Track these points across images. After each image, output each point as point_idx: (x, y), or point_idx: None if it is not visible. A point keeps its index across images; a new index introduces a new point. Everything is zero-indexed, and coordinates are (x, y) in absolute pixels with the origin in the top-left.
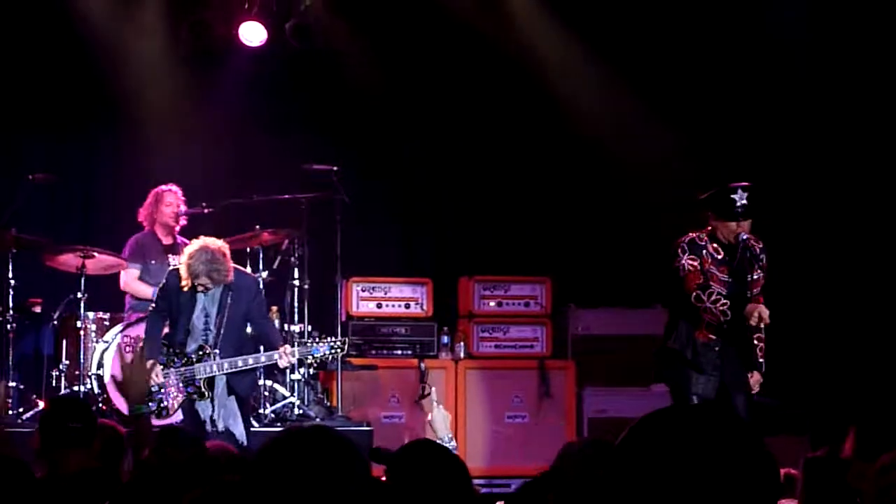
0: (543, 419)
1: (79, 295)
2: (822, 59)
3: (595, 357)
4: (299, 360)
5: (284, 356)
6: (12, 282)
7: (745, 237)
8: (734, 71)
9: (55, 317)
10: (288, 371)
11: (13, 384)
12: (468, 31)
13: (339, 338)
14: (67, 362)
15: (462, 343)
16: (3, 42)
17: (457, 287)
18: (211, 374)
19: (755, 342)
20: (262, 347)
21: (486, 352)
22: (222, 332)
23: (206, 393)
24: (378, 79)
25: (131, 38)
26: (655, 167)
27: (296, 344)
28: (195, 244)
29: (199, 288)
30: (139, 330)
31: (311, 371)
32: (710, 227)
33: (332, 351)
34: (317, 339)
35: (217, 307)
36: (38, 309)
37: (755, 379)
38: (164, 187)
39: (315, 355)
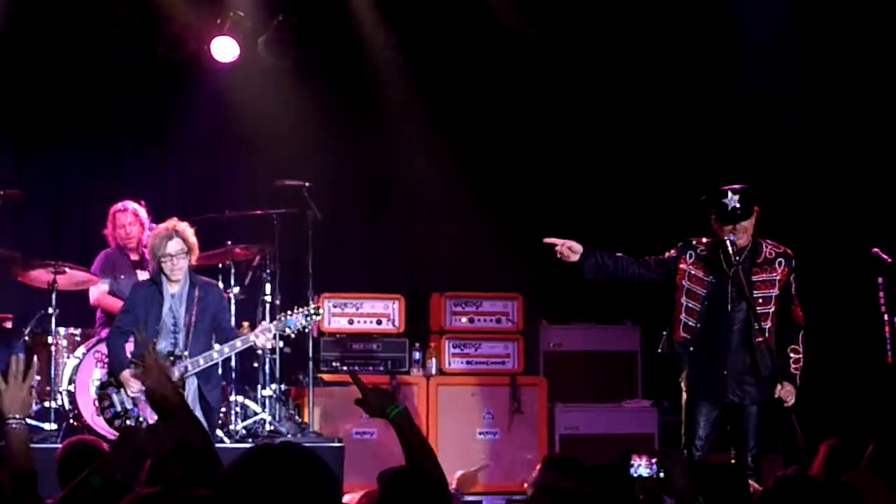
0: (515, 435)
1: (50, 311)
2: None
3: (566, 373)
4: (279, 334)
5: (261, 334)
6: None
7: (732, 238)
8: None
9: (26, 332)
10: (259, 387)
11: None
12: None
13: (312, 305)
14: (38, 378)
15: (434, 359)
16: None
17: (428, 303)
18: (185, 375)
19: (789, 353)
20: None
21: (458, 368)
22: (191, 331)
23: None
24: (350, 95)
25: (103, 50)
26: (626, 183)
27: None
28: (159, 230)
29: (166, 266)
30: None
31: (283, 387)
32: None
33: (308, 319)
34: (290, 312)
35: (185, 307)
36: (9, 325)
37: (787, 390)
38: (119, 206)
39: (291, 327)
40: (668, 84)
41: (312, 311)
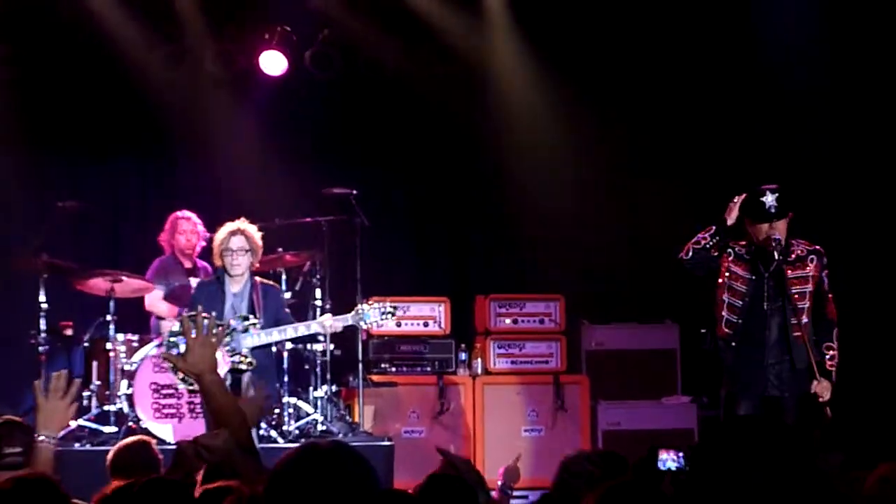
0: (559, 432)
1: (108, 318)
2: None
3: (608, 371)
4: (352, 325)
5: (337, 321)
6: (44, 305)
7: (777, 237)
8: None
9: (85, 339)
10: (311, 389)
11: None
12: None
13: (387, 303)
14: (98, 383)
15: (479, 359)
16: (31, 69)
17: (473, 305)
18: (256, 344)
19: (824, 351)
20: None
21: (503, 368)
22: (271, 317)
23: (253, 362)
24: (394, 106)
25: (156, 68)
26: (665, 188)
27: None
28: (221, 231)
29: (227, 260)
30: None
31: (334, 389)
32: (750, 234)
33: (384, 316)
34: (367, 306)
35: (246, 304)
36: (69, 332)
37: (823, 386)
38: (179, 214)
39: (367, 320)
40: (696, 88)
41: (389, 310)
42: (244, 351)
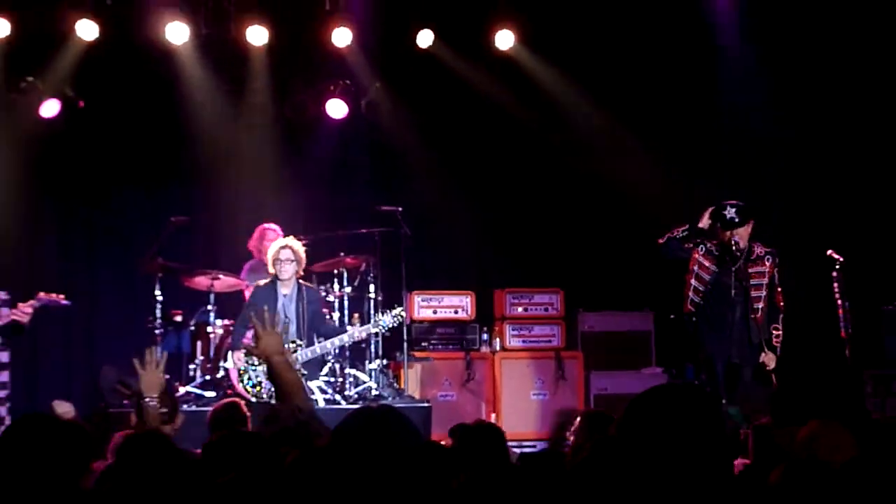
0: (560, 396)
1: (209, 307)
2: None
3: (598, 348)
4: (375, 333)
5: (352, 336)
6: (160, 298)
7: (736, 240)
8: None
9: (191, 324)
10: (367, 362)
11: (119, 385)
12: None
13: (397, 308)
14: (202, 358)
15: (497, 339)
16: (149, 118)
17: (492, 297)
18: (306, 360)
19: (772, 331)
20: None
21: (516, 346)
22: (300, 323)
23: (305, 374)
24: (429, 144)
25: (246, 112)
26: (645, 200)
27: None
28: (274, 245)
29: (277, 267)
30: None
31: (384, 362)
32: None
33: (395, 319)
34: (382, 316)
35: (294, 304)
36: (178, 318)
37: (769, 357)
38: (266, 225)
39: (384, 327)
40: (672, 125)
41: (398, 313)
42: (298, 366)
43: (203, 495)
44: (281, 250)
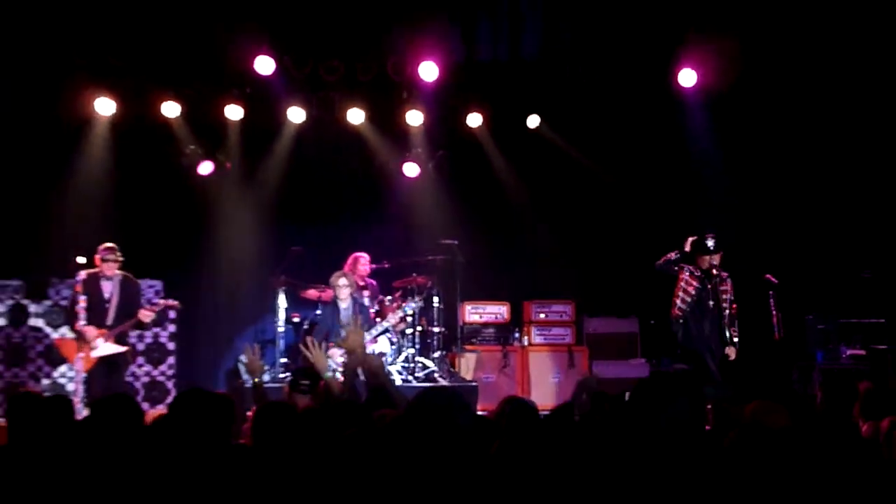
0: (570, 379)
1: (317, 312)
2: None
3: (599, 345)
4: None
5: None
6: (283, 305)
7: (714, 263)
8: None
9: (306, 324)
10: (431, 353)
11: (284, 360)
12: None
13: (416, 299)
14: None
15: (526, 337)
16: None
17: (522, 306)
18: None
19: (732, 332)
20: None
21: (539, 342)
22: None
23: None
24: (475, 194)
25: (344, 170)
26: (634, 240)
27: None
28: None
29: (337, 291)
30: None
31: (444, 353)
32: (697, 263)
33: (416, 305)
34: (407, 302)
35: (350, 312)
36: (296, 319)
37: (731, 350)
38: (358, 254)
39: (407, 310)
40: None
41: (416, 303)
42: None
43: (330, 445)
44: (340, 279)
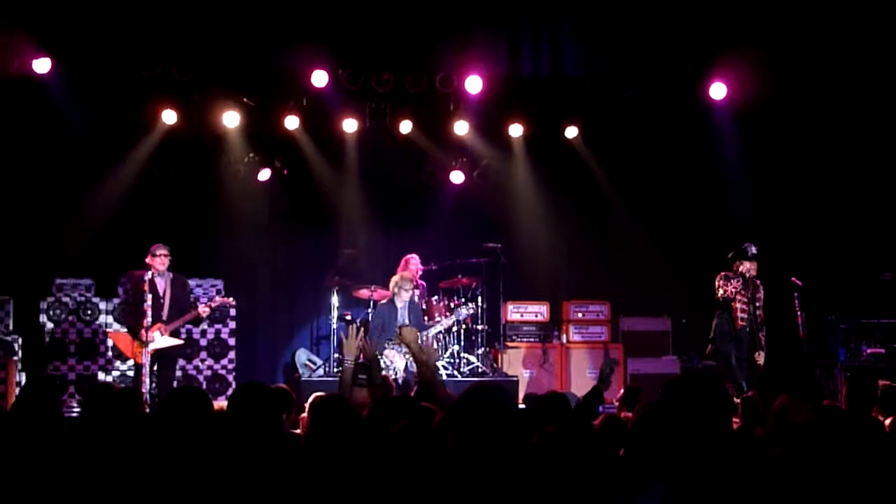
0: None
1: (368, 310)
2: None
3: (633, 342)
4: (458, 321)
5: (440, 327)
6: (335, 304)
7: (752, 272)
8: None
9: (358, 321)
10: (475, 349)
11: (337, 356)
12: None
13: (469, 306)
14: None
15: (564, 335)
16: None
17: (561, 306)
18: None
19: (760, 337)
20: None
21: (577, 340)
22: (410, 322)
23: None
24: (518, 200)
25: (396, 178)
26: (666, 245)
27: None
28: (395, 276)
29: (400, 293)
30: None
31: (487, 349)
32: (734, 267)
33: (467, 311)
34: (459, 310)
35: (407, 311)
36: (348, 317)
37: (760, 354)
38: (409, 256)
39: (461, 316)
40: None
41: (467, 311)
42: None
43: (376, 442)
44: (408, 283)
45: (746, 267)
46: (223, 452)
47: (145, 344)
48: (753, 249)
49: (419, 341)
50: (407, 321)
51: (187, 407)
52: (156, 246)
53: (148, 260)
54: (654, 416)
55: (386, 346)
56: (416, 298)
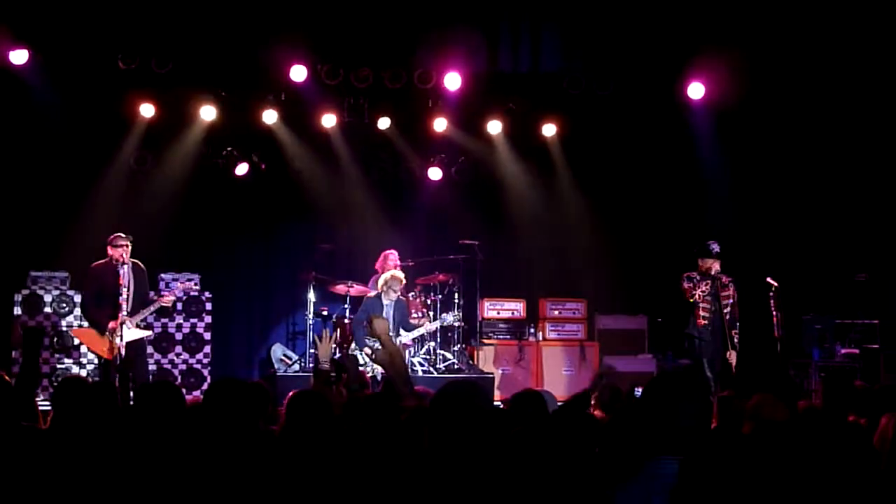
0: (583, 373)
1: (345, 306)
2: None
3: (609, 340)
4: (442, 326)
5: (425, 330)
6: (312, 299)
7: (717, 269)
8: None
9: (334, 317)
10: (451, 346)
11: (313, 351)
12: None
13: (456, 312)
14: (339, 340)
15: (540, 332)
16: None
17: (538, 303)
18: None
19: (733, 335)
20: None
21: (553, 338)
22: (396, 323)
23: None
24: (496, 197)
25: (373, 173)
26: (643, 243)
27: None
28: (387, 273)
29: (387, 290)
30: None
31: (463, 346)
32: (699, 265)
33: (454, 318)
34: (445, 315)
35: (393, 310)
36: (325, 312)
37: (731, 354)
38: (388, 251)
39: (445, 322)
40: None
41: (455, 316)
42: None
43: (352, 437)
44: (393, 282)
45: (709, 264)
46: (197, 447)
47: (116, 338)
48: (716, 247)
49: (389, 334)
50: (392, 319)
51: (159, 402)
52: (117, 236)
53: (110, 251)
54: (635, 413)
55: (368, 340)
56: (403, 303)
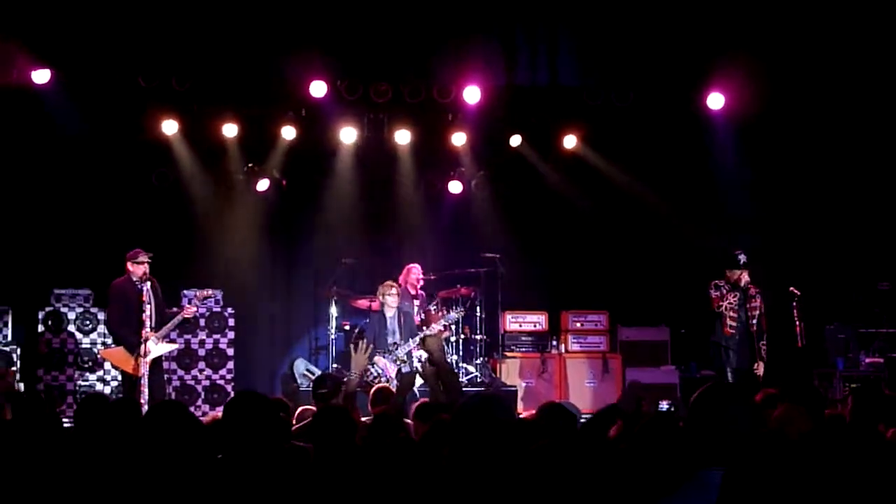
0: (605, 385)
1: (367, 320)
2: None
3: (631, 352)
4: (445, 325)
5: (432, 329)
6: (334, 314)
7: (746, 279)
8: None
9: (356, 331)
10: (474, 358)
11: (336, 366)
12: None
13: (458, 309)
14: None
15: (563, 345)
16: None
17: (560, 316)
18: (406, 350)
19: (760, 346)
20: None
21: (576, 349)
22: (402, 331)
23: (407, 361)
24: (515, 210)
25: (395, 188)
26: (665, 257)
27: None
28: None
29: (385, 301)
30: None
31: (486, 359)
32: (726, 276)
33: (457, 314)
34: (448, 312)
35: (396, 320)
36: (347, 327)
37: (759, 365)
38: (411, 265)
39: (448, 322)
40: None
41: (456, 313)
42: (402, 356)
43: (376, 451)
44: (391, 290)
45: (737, 275)
46: (212, 463)
47: (143, 356)
48: (743, 257)
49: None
50: (398, 330)
51: (167, 421)
52: (137, 252)
53: (131, 267)
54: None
55: (376, 354)
56: (414, 309)
